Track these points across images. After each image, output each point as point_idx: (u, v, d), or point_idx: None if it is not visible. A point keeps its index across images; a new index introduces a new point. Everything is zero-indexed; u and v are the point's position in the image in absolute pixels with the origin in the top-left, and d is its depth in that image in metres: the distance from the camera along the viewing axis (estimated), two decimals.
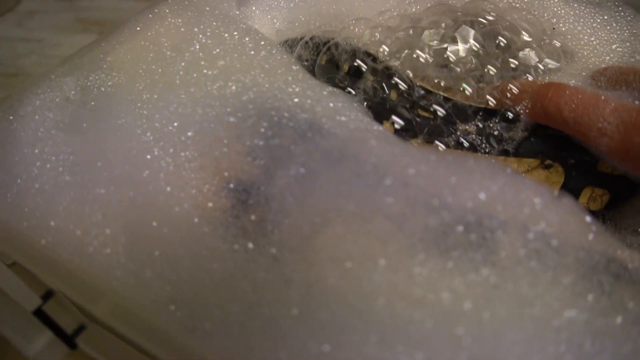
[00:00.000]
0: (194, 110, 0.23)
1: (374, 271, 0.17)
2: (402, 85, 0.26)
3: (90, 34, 0.57)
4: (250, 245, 0.20)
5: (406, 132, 0.26)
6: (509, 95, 0.25)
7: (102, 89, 0.24)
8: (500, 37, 0.27)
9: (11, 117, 0.23)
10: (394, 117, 0.26)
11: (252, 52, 0.25)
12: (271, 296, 0.18)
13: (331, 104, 0.23)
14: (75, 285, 0.18)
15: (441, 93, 0.26)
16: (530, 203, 0.18)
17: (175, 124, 0.23)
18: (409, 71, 0.27)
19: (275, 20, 0.35)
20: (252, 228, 0.20)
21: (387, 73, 0.27)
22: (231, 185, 0.22)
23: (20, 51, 0.56)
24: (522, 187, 0.18)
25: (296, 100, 0.23)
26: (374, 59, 0.27)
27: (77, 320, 0.75)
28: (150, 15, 0.28)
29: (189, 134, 0.23)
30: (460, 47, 0.27)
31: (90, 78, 0.24)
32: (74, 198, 0.20)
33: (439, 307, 0.16)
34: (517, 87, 0.25)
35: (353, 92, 0.26)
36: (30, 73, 0.52)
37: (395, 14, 0.32)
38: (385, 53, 0.28)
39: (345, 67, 0.27)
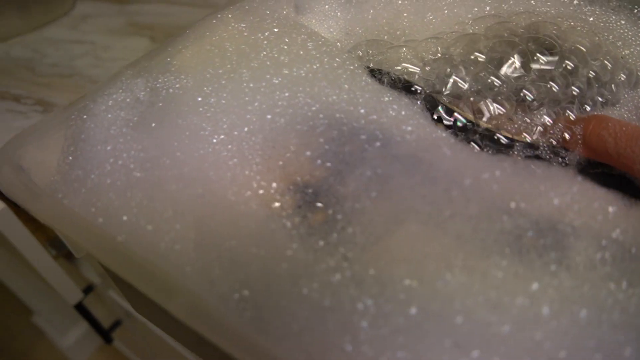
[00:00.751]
0: (263, 117, 0.24)
1: (449, 272, 0.17)
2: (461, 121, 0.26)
3: (141, 38, 0.59)
4: (321, 243, 0.20)
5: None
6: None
7: (170, 90, 0.25)
8: (567, 62, 0.27)
9: (85, 117, 0.24)
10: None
11: (317, 60, 0.26)
12: (342, 297, 0.18)
13: (397, 113, 0.24)
14: (149, 281, 0.18)
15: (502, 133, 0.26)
16: (603, 211, 0.18)
17: (245, 129, 0.23)
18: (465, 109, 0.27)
19: (331, 30, 0.36)
20: (321, 228, 0.21)
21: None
22: (299, 186, 0.22)
23: (75, 53, 0.58)
24: (594, 196, 0.18)
25: (362, 111, 0.24)
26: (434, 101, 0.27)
27: (114, 315, 0.77)
28: (214, 21, 0.29)
29: (258, 138, 0.23)
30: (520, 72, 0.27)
31: (159, 80, 0.25)
32: (145, 194, 0.21)
33: (515, 310, 0.16)
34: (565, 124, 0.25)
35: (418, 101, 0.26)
36: (84, 74, 0.54)
37: (453, 30, 0.32)
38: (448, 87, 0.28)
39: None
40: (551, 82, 0.26)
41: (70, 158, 0.24)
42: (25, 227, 0.52)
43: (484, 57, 0.27)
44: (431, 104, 0.26)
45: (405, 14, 0.34)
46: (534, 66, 0.26)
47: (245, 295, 0.19)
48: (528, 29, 0.29)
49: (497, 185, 0.19)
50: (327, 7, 0.37)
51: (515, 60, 0.27)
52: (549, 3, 0.33)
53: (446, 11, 0.33)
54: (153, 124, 0.24)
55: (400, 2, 0.35)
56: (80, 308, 0.66)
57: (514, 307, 0.16)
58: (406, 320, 0.17)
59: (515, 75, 0.27)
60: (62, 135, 0.25)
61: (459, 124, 0.25)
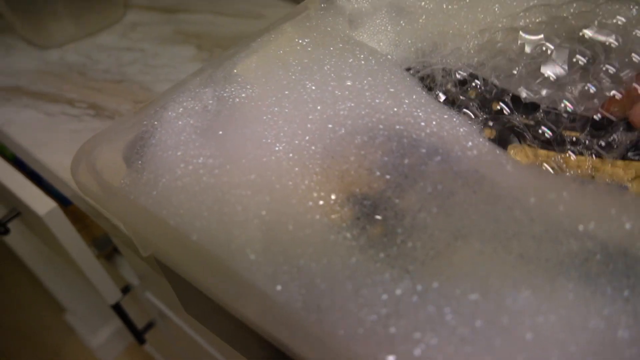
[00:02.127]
0: (324, 127, 0.24)
1: (515, 289, 0.18)
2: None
3: (188, 46, 0.61)
4: (381, 255, 0.20)
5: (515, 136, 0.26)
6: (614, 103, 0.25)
7: (237, 100, 0.26)
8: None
9: (156, 122, 0.25)
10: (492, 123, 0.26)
11: (378, 74, 0.26)
12: (406, 306, 0.18)
13: (457, 129, 0.24)
14: (223, 283, 0.19)
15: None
16: None
17: (307, 138, 0.24)
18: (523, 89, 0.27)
19: (381, 43, 0.37)
20: (380, 240, 0.21)
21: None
22: (357, 198, 0.23)
23: (125, 60, 0.60)
24: None
25: (423, 124, 0.24)
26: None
27: (148, 317, 0.79)
28: (274, 36, 0.30)
29: (318, 148, 0.24)
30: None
31: (226, 89, 0.26)
32: (216, 199, 0.22)
33: (588, 332, 0.16)
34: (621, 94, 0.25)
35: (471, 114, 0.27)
36: (134, 80, 0.56)
37: (500, 27, 0.32)
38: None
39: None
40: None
41: (140, 162, 0.25)
42: (73, 226, 0.54)
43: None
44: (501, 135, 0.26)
45: (455, 22, 0.34)
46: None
47: (310, 299, 0.19)
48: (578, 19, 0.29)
49: (564, 206, 0.20)
50: (378, 21, 0.37)
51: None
52: None
53: (496, 8, 0.33)
54: (220, 132, 0.25)
55: (450, 7, 0.35)
56: (117, 308, 0.67)
57: (587, 329, 0.16)
58: (472, 332, 0.18)
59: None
60: (132, 139, 0.26)
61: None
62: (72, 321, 1.27)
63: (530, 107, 0.27)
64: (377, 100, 0.25)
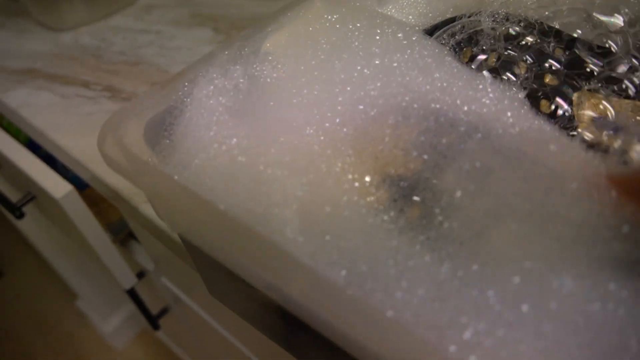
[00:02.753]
0: (355, 108, 0.24)
1: (556, 275, 0.17)
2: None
3: (204, 28, 0.60)
4: (421, 237, 0.20)
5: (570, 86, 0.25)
6: None
7: (268, 79, 0.25)
8: None
9: (186, 99, 0.24)
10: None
11: (407, 49, 0.25)
12: (449, 291, 0.17)
13: (494, 102, 0.23)
14: (265, 262, 0.18)
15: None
16: None
17: (337, 120, 0.23)
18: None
19: (410, 17, 0.35)
20: (419, 222, 0.20)
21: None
22: (394, 179, 0.22)
23: (141, 42, 0.59)
24: None
25: (458, 101, 0.23)
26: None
27: (162, 302, 0.79)
28: (305, 10, 0.29)
29: (350, 130, 0.23)
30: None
31: (257, 68, 0.25)
32: (252, 179, 0.21)
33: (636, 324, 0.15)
34: None
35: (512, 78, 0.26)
36: (150, 62, 0.55)
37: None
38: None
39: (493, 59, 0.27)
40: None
41: (169, 140, 0.24)
42: (89, 210, 0.54)
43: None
44: (532, 94, 0.25)
45: None
46: None
47: (354, 281, 0.18)
48: None
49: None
50: None
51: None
52: None
53: None
54: (252, 112, 0.24)
55: None
56: (132, 293, 0.67)
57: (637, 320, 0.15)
58: (519, 317, 0.17)
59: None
60: (160, 114, 0.25)
61: (565, 113, 0.24)
62: (84, 307, 1.27)
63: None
64: (407, 78, 0.24)
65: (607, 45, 0.26)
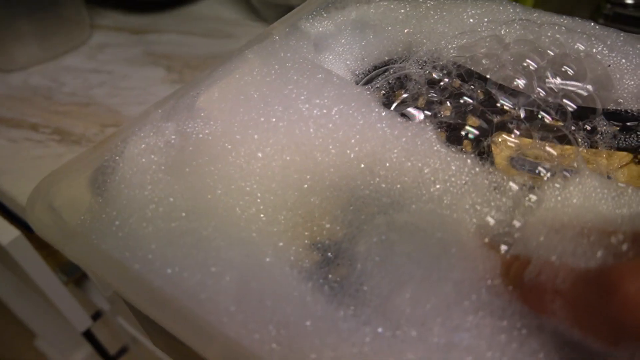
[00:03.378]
0: (288, 174, 0.24)
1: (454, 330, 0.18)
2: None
3: (157, 67, 0.60)
4: (341, 299, 0.21)
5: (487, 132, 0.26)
6: None
7: (200, 136, 0.26)
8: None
9: (118, 158, 0.25)
10: (470, 128, 0.26)
11: (339, 101, 0.26)
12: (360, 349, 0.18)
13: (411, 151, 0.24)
14: (187, 327, 0.18)
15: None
16: None
17: (273, 185, 0.24)
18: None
19: (348, 62, 0.37)
20: (342, 283, 0.21)
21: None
22: (320, 247, 0.23)
23: (92, 82, 0.59)
24: None
25: (387, 163, 0.24)
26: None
27: (120, 342, 0.77)
28: (237, 64, 0.30)
29: (285, 196, 0.24)
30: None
31: (189, 125, 0.26)
32: (191, 245, 0.21)
33: None
34: None
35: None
36: (102, 103, 0.55)
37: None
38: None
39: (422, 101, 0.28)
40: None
41: (101, 199, 0.25)
42: (38, 253, 0.53)
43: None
44: (455, 134, 0.26)
45: (425, 28, 0.35)
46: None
47: (279, 341, 0.19)
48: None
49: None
50: (343, 40, 0.38)
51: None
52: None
53: (472, 21, 0.34)
54: (186, 170, 0.24)
55: (420, 17, 0.36)
56: (88, 335, 0.65)
57: None
58: None
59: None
60: (92, 174, 0.25)
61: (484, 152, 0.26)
62: (44, 347, 1.23)
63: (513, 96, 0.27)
64: (339, 132, 0.25)
65: (515, 84, 0.28)
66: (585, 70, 0.29)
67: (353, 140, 0.25)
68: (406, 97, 0.30)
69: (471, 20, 0.34)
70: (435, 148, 0.25)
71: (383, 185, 0.23)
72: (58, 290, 0.56)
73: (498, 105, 0.28)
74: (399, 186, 0.23)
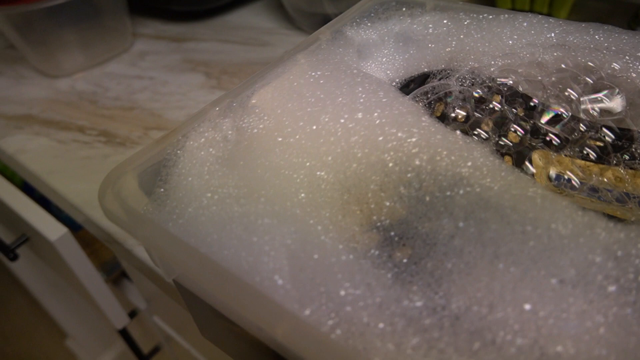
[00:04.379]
0: (338, 161, 0.25)
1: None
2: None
3: (196, 74, 0.62)
4: (409, 281, 0.21)
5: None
6: None
7: (255, 130, 0.27)
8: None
9: (179, 151, 0.26)
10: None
11: (387, 106, 0.28)
12: (436, 337, 0.19)
13: (470, 159, 0.25)
14: (252, 307, 0.20)
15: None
16: None
17: (322, 173, 0.25)
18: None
19: (389, 72, 0.38)
20: (408, 266, 0.22)
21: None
22: (381, 227, 0.24)
23: (135, 87, 0.62)
24: None
25: (438, 157, 0.25)
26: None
27: (154, 341, 0.79)
28: (290, 67, 0.32)
29: (334, 180, 0.25)
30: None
31: (245, 120, 0.27)
32: (243, 227, 0.22)
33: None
34: None
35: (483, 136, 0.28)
36: (144, 107, 0.58)
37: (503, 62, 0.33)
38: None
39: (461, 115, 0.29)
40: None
41: (163, 190, 0.26)
42: (83, 251, 0.55)
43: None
44: (497, 150, 0.27)
45: (467, 47, 0.36)
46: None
47: (339, 322, 0.20)
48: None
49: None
50: (385, 51, 0.39)
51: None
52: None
53: (511, 42, 0.35)
54: (241, 162, 0.26)
55: (461, 36, 0.37)
56: (124, 333, 0.67)
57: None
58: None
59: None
60: (155, 166, 0.27)
61: (524, 169, 0.26)
62: (74, 347, 1.26)
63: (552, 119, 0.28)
64: (388, 133, 0.27)
65: (560, 111, 0.29)
66: (621, 95, 0.30)
67: (402, 134, 0.26)
68: (447, 112, 0.31)
69: (510, 41, 0.35)
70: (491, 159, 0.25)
71: (442, 169, 0.24)
72: (100, 287, 0.58)
73: (539, 123, 0.29)
74: (458, 170, 0.24)
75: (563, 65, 0.32)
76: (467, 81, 0.31)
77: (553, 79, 0.31)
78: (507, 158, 0.27)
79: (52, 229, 0.52)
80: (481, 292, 0.19)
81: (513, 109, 0.29)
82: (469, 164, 0.24)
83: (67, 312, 1.06)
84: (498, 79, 0.31)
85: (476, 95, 0.30)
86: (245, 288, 0.20)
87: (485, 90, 0.30)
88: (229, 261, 0.21)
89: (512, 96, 0.30)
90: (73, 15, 0.65)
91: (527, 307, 0.18)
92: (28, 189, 0.64)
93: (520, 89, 0.30)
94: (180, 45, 0.69)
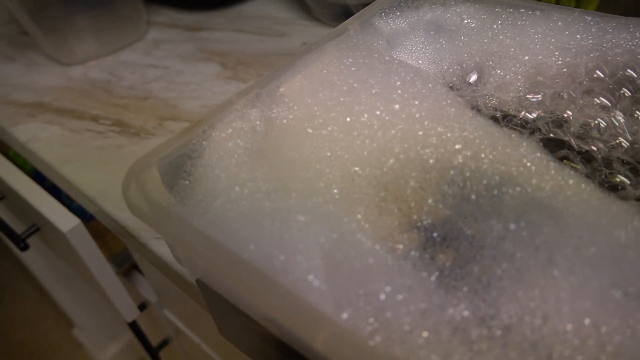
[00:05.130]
0: (373, 155, 0.24)
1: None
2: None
3: (211, 64, 0.61)
4: (452, 286, 0.20)
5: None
6: None
7: (284, 121, 0.26)
8: None
9: (205, 142, 0.25)
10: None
11: (426, 97, 0.26)
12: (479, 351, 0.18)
13: (521, 155, 0.23)
14: (285, 310, 0.18)
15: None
16: None
17: (357, 168, 0.24)
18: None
19: (420, 61, 0.37)
20: (452, 270, 0.21)
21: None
22: (420, 227, 0.22)
23: (149, 77, 0.60)
24: None
25: (482, 154, 0.24)
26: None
27: (163, 334, 0.78)
28: (317, 55, 0.30)
29: (369, 176, 0.24)
30: None
31: (273, 110, 0.26)
32: (275, 224, 0.21)
33: None
34: None
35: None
36: (158, 97, 0.56)
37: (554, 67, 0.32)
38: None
39: None
40: None
41: (188, 182, 0.25)
42: (94, 242, 0.54)
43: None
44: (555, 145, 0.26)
45: (498, 41, 0.34)
46: None
47: (379, 328, 0.19)
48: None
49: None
50: (416, 39, 0.37)
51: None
52: None
53: (549, 38, 0.33)
54: (270, 154, 0.25)
55: (495, 25, 0.35)
56: (133, 326, 0.66)
57: None
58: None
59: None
60: (180, 157, 0.25)
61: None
62: (81, 336, 1.26)
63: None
64: (428, 125, 0.25)
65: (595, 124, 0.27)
66: None
67: (444, 129, 0.25)
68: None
69: (538, 46, 0.33)
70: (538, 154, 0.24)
71: (485, 167, 0.23)
72: (111, 279, 0.57)
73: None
74: (505, 168, 0.22)
75: (598, 73, 0.31)
76: (494, 99, 0.29)
77: (584, 90, 0.30)
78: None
79: (64, 219, 0.51)
80: (535, 301, 0.18)
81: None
82: (517, 161, 0.23)
83: (75, 301, 1.06)
84: (527, 96, 0.30)
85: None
86: (279, 289, 0.19)
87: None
88: (260, 259, 0.20)
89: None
90: (87, 2, 0.64)
91: (587, 321, 0.17)
92: (39, 177, 0.62)
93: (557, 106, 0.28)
94: (195, 35, 0.68)
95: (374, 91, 0.26)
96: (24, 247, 0.59)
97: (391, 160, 0.24)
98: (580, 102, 0.30)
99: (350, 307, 0.19)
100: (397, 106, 0.26)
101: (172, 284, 0.41)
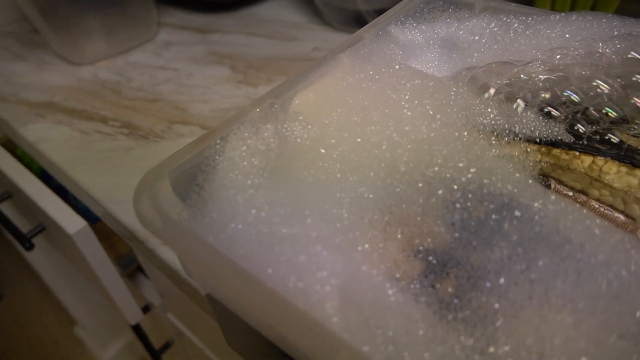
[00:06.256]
0: (383, 179, 0.24)
1: None
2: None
3: (221, 67, 0.61)
4: (452, 316, 0.20)
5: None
6: None
7: (299, 140, 0.25)
8: None
9: (217, 157, 0.25)
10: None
11: (434, 119, 0.26)
12: None
13: (529, 182, 0.23)
14: (305, 337, 0.18)
15: None
16: None
17: (367, 195, 0.23)
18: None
19: (433, 72, 0.36)
20: (453, 300, 0.20)
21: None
22: (423, 253, 0.22)
23: (159, 79, 0.60)
24: None
25: (493, 178, 0.23)
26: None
27: (165, 337, 0.78)
28: (332, 66, 0.30)
29: (380, 197, 0.23)
30: None
31: (288, 128, 0.26)
32: (294, 251, 0.21)
33: None
34: None
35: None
36: (168, 100, 0.56)
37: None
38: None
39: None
40: None
41: (199, 197, 0.25)
42: (100, 245, 0.54)
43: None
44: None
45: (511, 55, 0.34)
46: None
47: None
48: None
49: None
50: (430, 55, 0.37)
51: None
52: None
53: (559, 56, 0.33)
54: (284, 175, 0.24)
55: (507, 41, 0.35)
56: (137, 328, 0.66)
57: None
58: None
59: None
60: (192, 170, 0.25)
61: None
62: (82, 335, 1.26)
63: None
64: (434, 148, 0.25)
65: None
66: None
67: (448, 152, 0.25)
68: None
69: (558, 55, 0.33)
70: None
71: (491, 189, 0.22)
72: (116, 282, 0.57)
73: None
74: (509, 187, 0.22)
75: (632, 54, 0.30)
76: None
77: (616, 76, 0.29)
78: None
79: (70, 221, 0.51)
80: (530, 337, 0.18)
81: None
82: (514, 185, 0.22)
83: (77, 300, 1.06)
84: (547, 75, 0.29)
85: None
86: (298, 314, 0.18)
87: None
88: (277, 284, 0.20)
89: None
90: (98, 1, 0.64)
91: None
92: (46, 177, 0.62)
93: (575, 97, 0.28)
94: (205, 37, 0.67)
95: (386, 111, 0.26)
96: (29, 247, 0.59)
97: (395, 181, 0.24)
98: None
99: (361, 336, 0.19)
100: (407, 127, 0.25)
101: (176, 287, 0.41)
